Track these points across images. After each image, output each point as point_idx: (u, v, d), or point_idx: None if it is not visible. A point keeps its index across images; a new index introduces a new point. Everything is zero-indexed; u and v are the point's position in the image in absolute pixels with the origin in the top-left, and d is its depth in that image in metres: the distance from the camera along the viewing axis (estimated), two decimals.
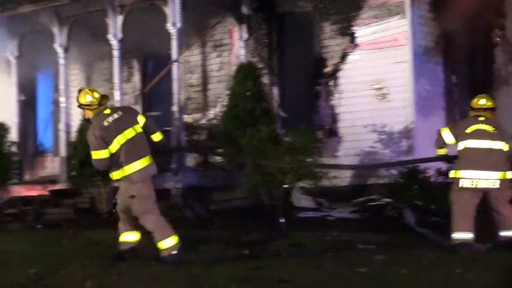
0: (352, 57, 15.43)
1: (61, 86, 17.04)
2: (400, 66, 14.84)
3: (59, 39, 16.80)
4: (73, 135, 15.84)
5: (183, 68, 16.97)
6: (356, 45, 15.39)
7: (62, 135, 16.68)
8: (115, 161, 9.50)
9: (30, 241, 12.42)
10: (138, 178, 9.51)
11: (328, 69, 15.64)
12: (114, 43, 16.08)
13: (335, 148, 15.29)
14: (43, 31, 16.96)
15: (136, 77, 18.27)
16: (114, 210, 10.45)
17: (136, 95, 18.15)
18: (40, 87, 20.03)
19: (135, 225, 9.86)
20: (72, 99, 18.29)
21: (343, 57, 15.50)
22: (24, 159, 18.19)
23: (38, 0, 16.56)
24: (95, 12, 16.33)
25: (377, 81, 15.01)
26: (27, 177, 18.10)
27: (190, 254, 10.60)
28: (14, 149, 16.37)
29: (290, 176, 12.57)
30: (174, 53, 15.41)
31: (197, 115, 17.16)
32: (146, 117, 10.05)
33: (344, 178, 14.55)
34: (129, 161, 9.45)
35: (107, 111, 9.64)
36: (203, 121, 16.99)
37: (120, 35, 15.97)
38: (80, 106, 9.72)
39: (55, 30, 16.77)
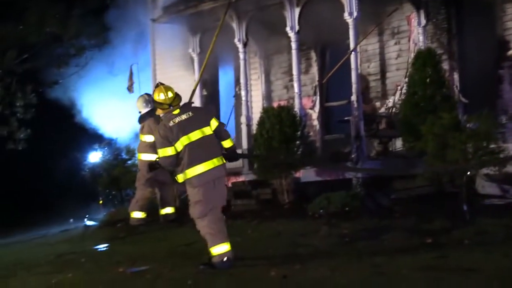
0: None
1: (242, 80, 17.36)
2: None
3: (238, 34, 17.13)
4: (254, 128, 16.10)
5: (361, 57, 16.91)
6: None
7: (243, 128, 17.00)
8: (179, 163, 9.55)
9: None
10: (197, 183, 9.48)
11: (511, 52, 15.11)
12: (291, 35, 16.22)
13: None
14: (222, 27, 17.35)
15: (314, 68, 18.35)
16: None
17: (314, 86, 18.25)
18: (222, 82, 20.53)
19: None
20: (253, 92, 18.73)
21: None
22: None
23: None
24: (272, 6, 16.53)
25: None
26: None
27: (373, 243, 10.59)
28: None
29: (473, 163, 12.24)
30: (351, 43, 15.37)
31: (376, 104, 17.05)
32: (220, 122, 9.93)
33: None
34: (191, 164, 9.45)
35: (176, 111, 9.67)
36: (382, 110, 16.85)
37: (297, 27, 16.09)
38: (154, 102, 9.88)
39: (234, 25, 17.11)
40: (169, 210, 14.29)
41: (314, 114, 17.98)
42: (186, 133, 9.51)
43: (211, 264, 9.46)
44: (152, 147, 13.81)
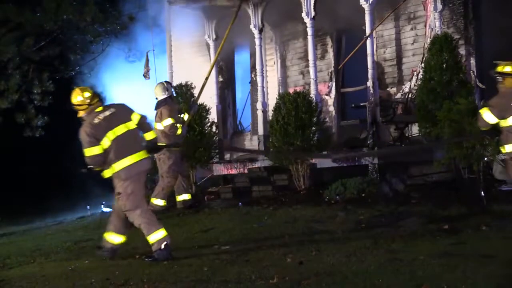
0: None
1: (257, 66, 17.35)
2: None
3: (254, 20, 17.11)
4: (270, 114, 16.11)
5: (377, 43, 16.85)
6: None
7: (259, 114, 17.02)
8: (105, 160, 9.70)
9: (232, 219, 12.82)
10: (126, 175, 9.67)
11: None
12: (307, 21, 16.20)
13: None
14: (238, 13, 17.29)
15: (330, 54, 18.30)
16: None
17: (330, 72, 18.21)
18: (238, 68, 20.52)
19: (124, 226, 10.01)
20: (269, 78, 18.69)
21: None
22: (224, 139, 18.71)
23: None
24: None
25: None
26: (227, 156, 18.61)
27: (389, 229, 10.57)
28: (214, 129, 16.85)
29: (490, 148, 12.19)
30: (367, 28, 15.31)
31: (391, 90, 17.00)
32: (142, 115, 10.09)
33: None
34: (119, 157, 9.64)
35: (99, 108, 9.85)
36: (398, 96, 16.80)
37: (313, 13, 16.07)
38: (73, 105, 9.93)
39: (250, 11, 17.09)
40: (186, 196, 14.39)
41: (330, 100, 17.95)
42: (111, 128, 9.71)
43: (153, 255, 9.65)
44: (167, 136, 13.88)
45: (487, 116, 10.13)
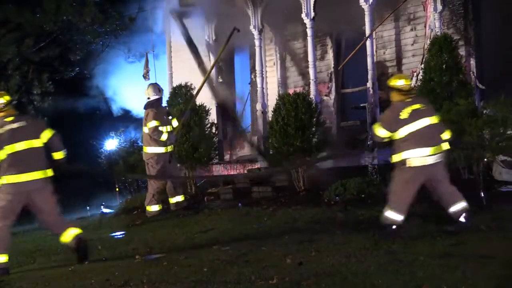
0: None
1: (257, 67, 17.34)
2: None
3: (254, 20, 17.11)
4: (270, 115, 16.10)
5: (377, 44, 16.84)
6: None
7: (259, 115, 17.01)
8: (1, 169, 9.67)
9: (232, 219, 12.81)
10: (10, 190, 9.65)
11: None
12: (307, 22, 16.20)
13: None
14: (238, 14, 17.30)
15: (330, 55, 18.31)
16: None
17: (330, 73, 18.21)
18: (237, 69, 20.50)
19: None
20: (269, 79, 18.69)
21: None
22: (224, 140, 18.71)
23: None
24: None
25: None
26: (226, 157, 18.61)
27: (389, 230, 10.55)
28: (214, 130, 16.85)
29: (490, 149, 12.18)
30: (367, 29, 15.31)
31: None
32: (54, 133, 10.01)
33: None
34: (9, 171, 9.61)
35: (10, 118, 9.85)
36: None
37: (313, 13, 16.07)
38: None
39: (249, 12, 17.09)
40: (179, 198, 14.40)
41: (330, 101, 17.95)
42: (12, 142, 9.68)
43: None
44: (155, 140, 13.86)
45: (380, 132, 10.12)
